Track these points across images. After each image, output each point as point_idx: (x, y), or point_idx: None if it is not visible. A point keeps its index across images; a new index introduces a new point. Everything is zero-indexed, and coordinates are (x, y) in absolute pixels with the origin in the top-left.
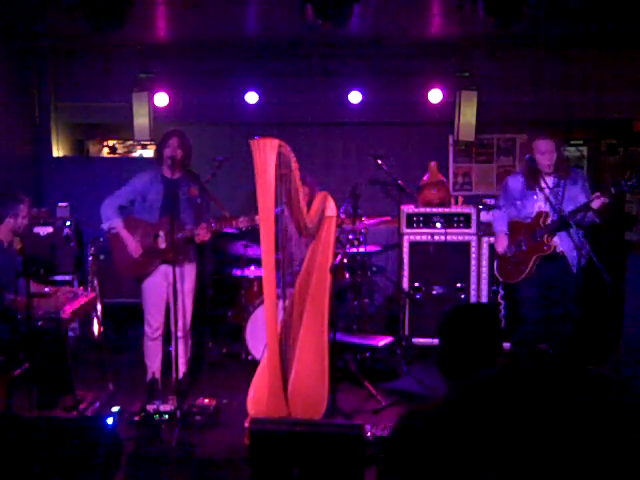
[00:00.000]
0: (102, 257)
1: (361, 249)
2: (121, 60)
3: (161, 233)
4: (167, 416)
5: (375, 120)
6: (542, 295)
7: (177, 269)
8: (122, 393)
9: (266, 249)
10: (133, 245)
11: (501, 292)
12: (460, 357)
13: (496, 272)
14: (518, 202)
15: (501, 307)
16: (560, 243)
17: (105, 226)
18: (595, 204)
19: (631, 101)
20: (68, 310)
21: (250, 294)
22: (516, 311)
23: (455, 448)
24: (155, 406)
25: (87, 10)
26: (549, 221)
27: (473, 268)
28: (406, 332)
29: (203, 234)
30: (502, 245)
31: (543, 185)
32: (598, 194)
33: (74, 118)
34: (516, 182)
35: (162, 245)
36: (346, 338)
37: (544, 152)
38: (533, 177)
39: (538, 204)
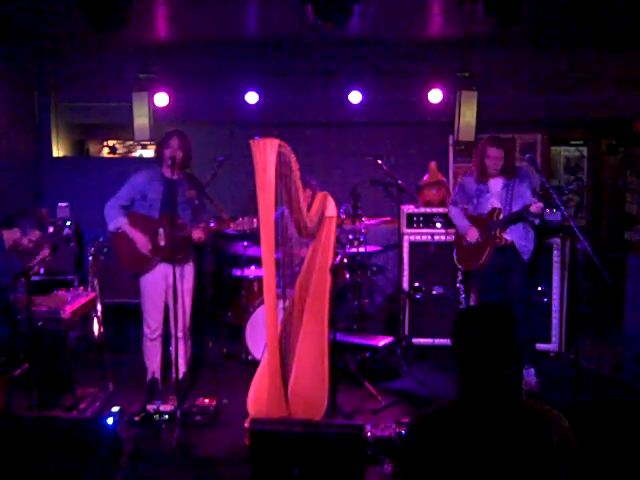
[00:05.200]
0: (102, 257)
1: (361, 249)
2: (121, 60)
3: (161, 230)
4: (167, 416)
5: (375, 120)
6: (497, 281)
7: (176, 269)
8: (122, 393)
9: (266, 249)
10: (142, 240)
11: (460, 277)
12: (473, 358)
13: (455, 260)
14: (474, 200)
15: (461, 292)
16: (510, 234)
17: (111, 226)
18: (533, 209)
19: (631, 101)
20: (68, 310)
21: (250, 294)
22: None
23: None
24: (155, 406)
25: (87, 10)
26: (501, 216)
27: None
28: (406, 332)
29: (199, 234)
30: (474, 235)
31: (493, 185)
32: (536, 200)
33: (74, 118)
34: (471, 182)
35: (162, 242)
36: (346, 338)
37: (491, 158)
38: (483, 174)
39: (491, 201)
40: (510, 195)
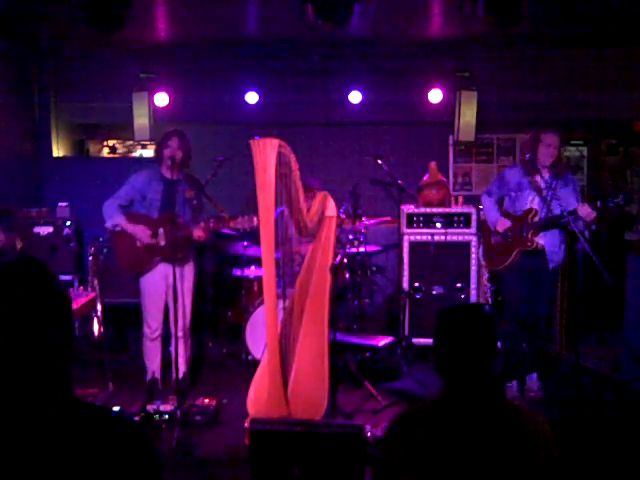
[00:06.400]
0: (102, 257)
1: (361, 249)
2: (121, 60)
3: (161, 230)
4: (167, 416)
5: (375, 120)
6: (521, 285)
7: (176, 269)
8: (122, 393)
9: (266, 249)
10: (142, 232)
11: (486, 274)
12: (454, 357)
13: (481, 257)
14: (513, 194)
15: (488, 290)
16: (543, 239)
17: (109, 224)
18: (581, 211)
19: (631, 101)
20: None
21: (250, 294)
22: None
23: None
24: (155, 406)
25: (88, 10)
26: (537, 218)
27: (473, 268)
28: (406, 332)
29: (199, 232)
30: (504, 225)
31: (537, 180)
32: (586, 204)
33: (74, 118)
34: (513, 174)
35: (162, 242)
36: (346, 338)
37: (549, 145)
38: (530, 168)
39: (530, 198)
40: (552, 196)
